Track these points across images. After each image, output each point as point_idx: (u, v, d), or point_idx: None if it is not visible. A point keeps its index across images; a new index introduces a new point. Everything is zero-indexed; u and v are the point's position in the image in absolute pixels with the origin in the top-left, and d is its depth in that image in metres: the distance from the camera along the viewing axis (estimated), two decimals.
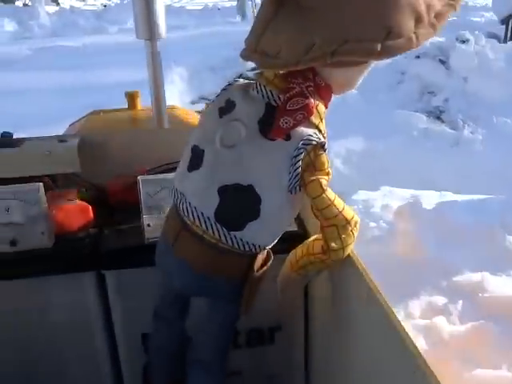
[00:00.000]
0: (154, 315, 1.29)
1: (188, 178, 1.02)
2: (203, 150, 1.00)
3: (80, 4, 19.49)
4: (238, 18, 15.48)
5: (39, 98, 6.00)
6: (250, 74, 1.16)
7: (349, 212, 0.99)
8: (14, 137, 1.65)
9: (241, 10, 15.56)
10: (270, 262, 1.10)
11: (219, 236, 0.98)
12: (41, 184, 1.35)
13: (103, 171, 1.69)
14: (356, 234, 1.02)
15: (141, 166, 1.66)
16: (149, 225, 1.39)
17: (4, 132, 1.60)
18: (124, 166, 1.69)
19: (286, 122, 0.91)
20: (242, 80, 1.07)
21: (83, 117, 2.56)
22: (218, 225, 0.97)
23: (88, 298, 1.43)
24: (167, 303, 1.24)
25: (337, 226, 0.98)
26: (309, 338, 1.58)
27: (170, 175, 1.39)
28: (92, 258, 1.39)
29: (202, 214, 0.98)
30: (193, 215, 0.99)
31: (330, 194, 0.97)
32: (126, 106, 2.54)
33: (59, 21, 14.77)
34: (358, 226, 1.01)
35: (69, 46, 10.05)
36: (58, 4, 19.36)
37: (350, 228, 0.99)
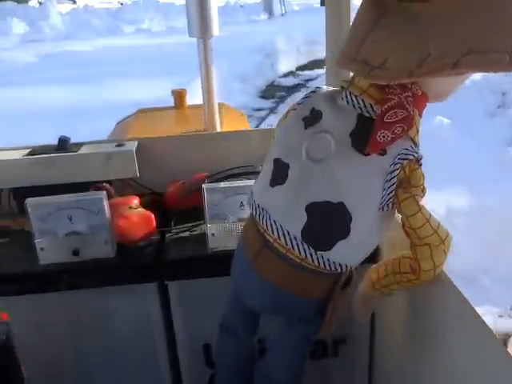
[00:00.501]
0: (221, 328, 1.24)
1: (271, 193, 0.96)
2: (288, 164, 0.94)
3: (95, 2, 18.49)
4: (264, 16, 14.86)
5: (15, 129, 4.65)
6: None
7: (443, 231, 0.92)
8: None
9: (267, 6, 14.83)
10: (353, 280, 1.04)
11: (305, 256, 0.93)
12: (104, 192, 1.32)
13: (160, 176, 1.65)
14: (448, 253, 0.95)
15: (199, 172, 1.61)
16: (213, 234, 1.34)
17: (61, 136, 1.57)
18: (181, 170, 1.65)
19: (384, 136, 0.84)
20: (325, 87, 1.00)
21: (130, 115, 2.54)
22: (305, 244, 0.92)
23: (150, 309, 1.40)
24: (237, 318, 1.20)
25: (430, 245, 0.91)
26: (374, 353, 1.51)
27: (235, 183, 1.35)
28: (155, 269, 1.35)
29: (287, 232, 0.92)
30: (278, 233, 0.93)
31: (426, 211, 0.90)
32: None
33: (72, 21, 14.05)
34: (450, 243, 0.94)
35: (79, 52, 9.31)
36: (74, 2, 18.60)
37: (443, 248, 0.92)
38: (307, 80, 8.87)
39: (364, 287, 1.08)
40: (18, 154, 1.56)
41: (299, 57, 10.18)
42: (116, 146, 1.59)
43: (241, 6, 16.95)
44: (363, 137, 0.86)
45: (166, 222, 1.50)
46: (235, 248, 1.31)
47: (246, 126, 2.58)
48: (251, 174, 1.50)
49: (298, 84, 8.76)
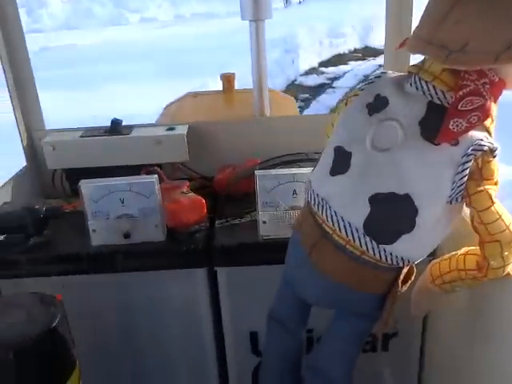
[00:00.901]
0: (270, 319, 1.22)
1: (331, 183, 0.92)
2: (350, 153, 0.90)
3: None
4: (282, 4, 13.53)
5: None
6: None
7: None
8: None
9: None
10: (413, 276, 0.99)
11: (366, 249, 0.89)
12: (156, 176, 1.31)
13: (209, 161, 1.63)
14: None
15: (248, 157, 1.59)
16: (264, 222, 1.32)
17: (114, 118, 1.57)
18: (230, 155, 1.63)
19: (458, 125, 0.78)
20: (390, 72, 0.95)
21: (178, 99, 2.53)
22: (367, 237, 0.88)
23: (198, 294, 1.39)
24: (287, 309, 1.17)
25: (500, 242, 0.86)
26: (425, 349, 1.46)
27: (288, 171, 1.31)
28: (205, 254, 1.34)
29: (349, 224, 0.88)
30: (338, 225, 0.90)
31: (499, 206, 0.85)
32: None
33: (73, 9, 12.94)
34: None
35: (77, 46, 8.18)
36: None
37: None
38: (332, 79, 7.96)
39: (423, 283, 1.03)
40: (72, 136, 1.57)
41: (322, 51, 9.22)
42: (167, 129, 1.58)
43: None
44: (433, 125, 0.81)
45: (215, 207, 1.49)
46: (287, 237, 1.29)
47: (295, 111, 2.54)
48: (303, 161, 1.46)
49: (323, 84, 7.84)
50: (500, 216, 0.85)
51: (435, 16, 0.76)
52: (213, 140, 1.66)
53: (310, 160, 1.43)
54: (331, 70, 8.52)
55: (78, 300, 1.22)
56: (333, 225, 0.91)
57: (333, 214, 0.90)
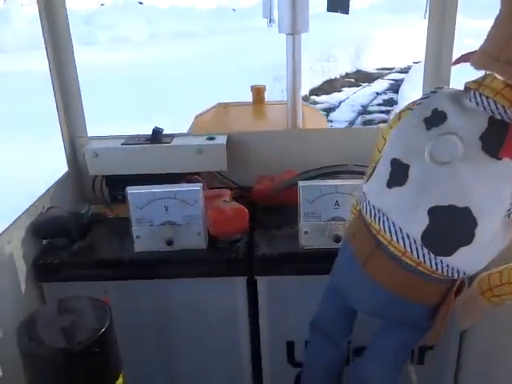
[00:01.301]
0: (313, 328, 1.23)
1: (388, 195, 0.93)
2: (408, 165, 0.91)
3: (71, 2, 15.66)
4: (265, 23, 12.14)
5: None
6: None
7: None
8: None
9: (267, 11, 11.58)
10: (465, 288, 1.00)
11: (423, 260, 0.90)
12: (201, 185, 1.33)
13: (246, 170, 1.66)
14: None
15: (284, 168, 1.61)
16: (306, 232, 1.33)
17: (155, 127, 1.60)
18: (267, 166, 1.65)
19: None
20: (445, 87, 0.97)
21: (209, 109, 2.57)
22: (425, 249, 0.89)
23: (238, 302, 1.41)
24: (332, 319, 1.18)
25: None
26: (461, 363, 1.46)
27: (331, 182, 1.33)
28: (245, 263, 1.35)
29: (407, 235, 0.90)
30: (396, 236, 0.91)
31: None
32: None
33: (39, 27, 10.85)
34: None
35: (35, 74, 5.86)
36: None
37: None
38: (327, 110, 7.15)
39: (472, 295, 1.04)
40: (114, 143, 1.60)
41: (313, 77, 8.45)
42: (207, 139, 1.60)
43: (233, 10, 14.14)
44: (495, 140, 0.83)
45: (254, 216, 1.50)
46: (327, 247, 1.31)
47: (323, 122, 2.56)
48: (344, 172, 1.47)
49: None
50: None
51: (503, 33, 0.78)
52: (249, 150, 1.68)
53: (351, 172, 1.45)
54: (324, 99, 7.95)
55: (119, 305, 1.24)
56: (390, 236, 0.92)
57: (390, 225, 0.92)
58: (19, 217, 1.35)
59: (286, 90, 1.93)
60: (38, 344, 1.04)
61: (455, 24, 1.47)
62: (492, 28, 0.81)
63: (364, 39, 9.68)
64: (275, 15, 10.70)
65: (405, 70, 9.69)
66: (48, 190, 1.50)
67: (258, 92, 2.47)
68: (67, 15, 1.54)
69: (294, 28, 1.83)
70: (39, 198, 1.46)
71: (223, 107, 2.51)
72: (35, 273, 1.37)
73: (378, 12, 15.58)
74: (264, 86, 2.52)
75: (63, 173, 1.62)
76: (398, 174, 0.93)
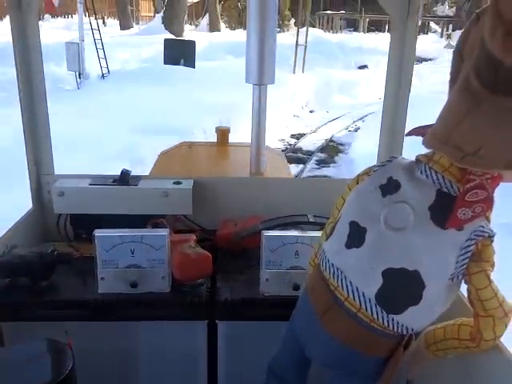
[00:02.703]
0: (269, 371, 1.28)
1: (346, 255, 1.01)
2: (364, 228, 1.00)
3: None
4: (70, 87, 9.17)
5: None
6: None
7: (508, 305, 0.97)
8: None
9: (75, 62, 8.95)
10: (413, 342, 1.08)
11: (377, 317, 0.98)
12: (168, 230, 1.38)
13: (210, 214, 1.71)
14: (508, 325, 1.00)
15: (248, 213, 1.68)
16: (267, 279, 1.39)
17: (124, 169, 1.64)
18: (231, 210, 1.72)
19: (465, 214, 0.90)
20: (400, 157, 1.06)
21: (173, 147, 2.62)
22: (378, 307, 0.97)
23: (198, 345, 1.44)
24: (289, 364, 1.23)
25: (493, 317, 0.97)
26: None
27: (293, 233, 1.41)
28: (207, 307, 1.39)
29: (363, 294, 0.98)
30: (353, 294, 0.99)
31: (495, 286, 0.96)
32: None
33: None
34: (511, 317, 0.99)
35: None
36: None
37: (505, 320, 0.98)
38: None
39: (419, 348, 1.12)
40: (81, 182, 1.63)
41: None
42: (174, 183, 1.65)
43: None
44: (442, 211, 0.92)
45: (216, 261, 1.55)
46: (286, 295, 1.37)
47: (285, 166, 2.66)
48: (303, 223, 1.55)
49: None
50: (495, 294, 0.96)
51: (451, 121, 0.88)
52: (214, 195, 1.74)
53: (310, 223, 1.53)
54: None
55: (81, 345, 1.25)
56: (347, 293, 1.00)
57: (348, 284, 0.99)
58: None
59: (251, 137, 2.03)
60: None
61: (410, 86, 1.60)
62: (442, 110, 0.91)
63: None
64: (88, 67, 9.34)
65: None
66: (12, 227, 1.51)
67: (223, 133, 2.55)
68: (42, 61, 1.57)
69: (261, 79, 1.93)
70: (3, 235, 1.46)
71: (187, 146, 2.57)
72: None
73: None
74: (228, 127, 2.61)
75: (27, 210, 1.63)
76: (356, 236, 1.01)
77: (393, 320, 0.97)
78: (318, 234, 1.29)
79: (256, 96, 1.96)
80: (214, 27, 21.11)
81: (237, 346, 1.44)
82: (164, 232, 1.37)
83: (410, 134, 1.03)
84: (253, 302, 1.40)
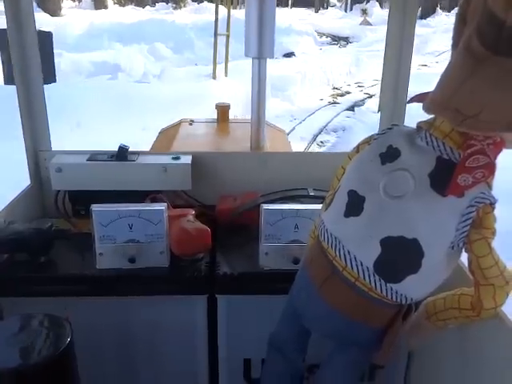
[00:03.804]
0: (270, 344, 1.28)
1: (344, 224, 1.00)
2: (363, 197, 0.98)
3: None
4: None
5: None
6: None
7: (508, 273, 0.96)
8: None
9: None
10: (412, 312, 1.07)
11: (375, 286, 0.96)
12: (166, 204, 1.36)
13: (210, 189, 1.70)
14: (509, 294, 0.98)
15: (248, 188, 1.66)
16: (266, 253, 1.38)
17: (121, 144, 1.62)
18: (230, 185, 1.70)
19: (465, 180, 0.88)
20: (400, 125, 1.04)
21: (173, 124, 2.60)
22: (377, 276, 0.95)
23: (197, 320, 1.44)
24: (288, 337, 1.23)
25: (494, 285, 0.95)
26: (409, 380, 1.54)
27: (293, 206, 1.39)
28: (206, 282, 1.39)
29: (360, 263, 0.96)
30: (351, 263, 0.97)
31: (495, 254, 0.94)
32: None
33: None
34: None
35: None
36: None
37: (506, 289, 0.96)
38: None
39: (419, 318, 1.11)
40: (79, 158, 1.61)
41: None
42: (172, 158, 1.64)
43: None
44: (442, 178, 0.90)
45: (216, 235, 1.54)
46: (286, 268, 1.36)
47: (286, 143, 2.64)
48: (304, 197, 1.53)
49: None
50: (496, 262, 0.94)
51: (451, 84, 0.85)
52: (213, 170, 1.72)
53: (310, 197, 1.52)
54: None
55: (79, 321, 1.25)
56: (345, 262, 0.98)
57: (346, 252, 0.98)
58: None
59: (251, 112, 2.00)
60: None
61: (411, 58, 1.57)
62: (442, 75, 0.89)
63: None
64: None
65: None
66: (10, 204, 1.50)
67: (223, 110, 2.52)
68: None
69: (261, 52, 1.90)
70: (0, 211, 1.45)
71: (188, 123, 2.54)
72: None
73: None
74: (229, 104, 2.58)
75: (25, 186, 1.62)
76: (355, 204, 0.99)
77: (391, 289, 0.96)
78: (318, 207, 1.27)
79: (255, 70, 1.93)
80: (100, 3, 17.48)
81: (237, 320, 1.44)
82: (162, 206, 1.35)
83: (411, 101, 1.01)
84: (252, 275, 1.40)
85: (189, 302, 1.41)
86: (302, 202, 1.49)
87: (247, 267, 1.41)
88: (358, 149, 1.08)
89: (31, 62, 1.57)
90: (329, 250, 1.02)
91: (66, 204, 1.66)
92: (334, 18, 24.28)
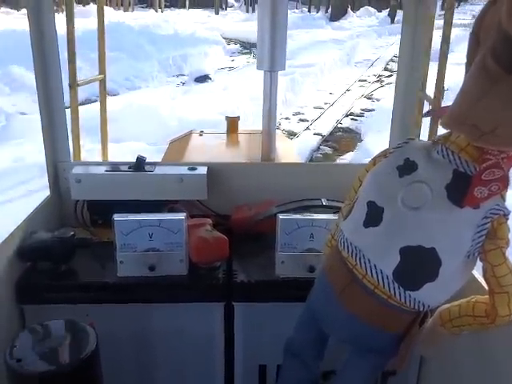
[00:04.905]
0: (286, 350, 1.31)
1: (364, 234, 1.04)
2: (382, 208, 1.02)
3: None
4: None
5: None
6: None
7: None
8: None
9: None
10: (428, 319, 1.11)
11: (394, 293, 1.00)
12: (185, 214, 1.41)
13: (225, 199, 1.74)
14: None
15: (261, 198, 1.70)
16: (283, 262, 1.42)
17: (139, 155, 1.66)
18: (246, 196, 1.74)
19: (481, 192, 0.92)
20: (416, 139, 1.09)
21: (183, 135, 2.64)
22: (396, 284, 0.99)
23: (215, 326, 1.47)
24: (305, 342, 1.26)
25: (509, 293, 0.99)
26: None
27: (309, 216, 1.43)
28: (224, 290, 1.43)
29: (381, 271, 1.00)
30: (371, 271, 1.01)
31: (509, 263, 0.98)
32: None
33: None
34: None
35: None
36: None
37: None
38: None
39: (434, 325, 1.14)
40: (98, 169, 1.66)
41: None
42: (188, 169, 1.68)
43: None
44: (458, 190, 0.94)
45: (232, 244, 1.58)
46: (301, 276, 1.40)
47: (294, 152, 2.68)
48: (317, 207, 1.58)
49: None
50: (510, 271, 0.98)
51: (467, 101, 0.89)
52: (227, 180, 1.76)
53: (324, 207, 1.56)
54: None
55: (100, 327, 1.29)
56: (365, 271, 1.02)
57: (366, 261, 1.02)
58: (4, 240, 1.38)
59: (262, 124, 2.05)
60: (23, 366, 1.08)
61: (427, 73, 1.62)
62: (459, 92, 0.93)
63: None
64: None
65: None
66: (31, 214, 1.54)
67: (233, 122, 2.57)
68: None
69: (273, 65, 1.95)
70: (22, 221, 1.49)
71: (198, 134, 2.59)
72: (17, 295, 1.40)
73: None
74: (238, 116, 2.63)
75: (45, 197, 1.66)
76: (374, 215, 1.03)
77: (410, 296, 1.00)
78: (333, 217, 1.31)
79: (267, 82, 1.98)
80: None
81: (253, 328, 1.48)
82: (182, 216, 1.39)
83: (427, 115, 1.06)
84: (269, 283, 1.43)
85: (207, 310, 1.45)
86: (315, 212, 1.53)
87: (263, 275, 1.45)
88: (374, 162, 1.12)
89: (53, 75, 1.62)
90: (349, 258, 1.06)
91: (84, 214, 1.70)
92: (236, 21, 22.11)
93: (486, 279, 1.01)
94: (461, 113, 0.90)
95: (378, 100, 9.59)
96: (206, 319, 1.46)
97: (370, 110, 8.83)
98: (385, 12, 26.47)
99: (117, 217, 1.37)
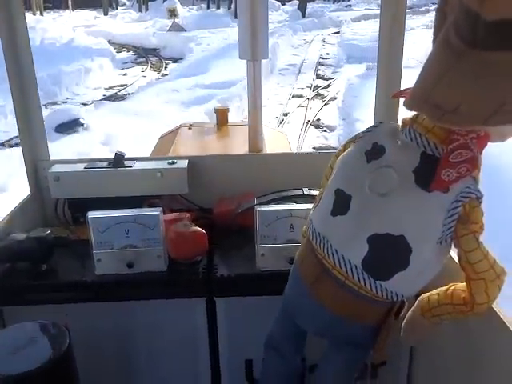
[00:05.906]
0: (266, 345, 1.28)
1: (332, 223, 1.00)
2: (350, 196, 0.98)
3: None
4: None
5: None
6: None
7: (499, 266, 0.95)
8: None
9: None
10: (405, 309, 1.07)
11: (364, 284, 0.97)
12: (161, 209, 1.38)
13: (207, 193, 1.71)
14: (502, 287, 0.98)
15: (245, 190, 1.67)
16: (263, 254, 1.39)
17: (118, 151, 1.64)
18: (227, 188, 1.71)
19: (449, 175, 0.88)
20: (386, 122, 1.04)
21: (173, 129, 2.62)
22: (365, 274, 0.96)
23: (197, 322, 1.45)
24: (283, 336, 1.24)
25: (485, 279, 0.95)
26: (412, 377, 1.54)
27: (287, 206, 1.40)
28: (204, 285, 1.40)
29: (349, 261, 0.97)
30: (339, 262, 0.98)
31: (484, 248, 0.94)
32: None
33: None
34: (505, 279, 0.97)
35: None
36: None
37: (497, 283, 0.96)
38: None
39: (414, 315, 1.11)
40: (76, 167, 1.63)
41: None
42: (168, 163, 1.65)
43: None
44: (426, 174, 0.90)
45: (213, 238, 1.55)
46: (283, 269, 1.37)
47: (287, 146, 2.64)
48: (299, 197, 1.54)
49: None
50: (485, 256, 0.94)
51: (430, 79, 0.85)
52: (210, 173, 1.73)
53: (305, 196, 1.52)
54: None
55: (81, 327, 1.27)
56: (333, 262, 0.99)
57: (333, 251, 0.98)
58: None
59: (248, 115, 2.01)
60: None
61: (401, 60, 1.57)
62: (422, 70, 0.89)
63: None
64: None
65: None
66: (11, 213, 1.52)
67: (222, 114, 2.53)
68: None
69: (255, 55, 1.91)
70: (1, 221, 1.47)
71: (187, 128, 2.56)
72: None
73: None
74: (228, 108, 2.59)
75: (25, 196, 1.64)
76: (341, 203, 0.99)
77: (381, 286, 0.96)
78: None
79: (250, 72, 1.94)
80: None
81: (236, 322, 1.45)
82: (157, 211, 1.36)
83: (394, 96, 1.01)
84: (249, 277, 1.40)
85: (188, 305, 1.42)
86: (298, 202, 1.50)
87: (244, 269, 1.42)
88: (344, 147, 1.08)
89: (27, 75, 1.59)
90: (318, 249, 1.03)
91: (66, 212, 1.68)
92: (128, 22, 19.42)
93: (461, 266, 0.98)
94: (423, 92, 0.85)
95: (330, 129, 7.30)
96: (188, 315, 1.44)
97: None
98: (288, 5, 24.72)
99: (91, 214, 1.35)
